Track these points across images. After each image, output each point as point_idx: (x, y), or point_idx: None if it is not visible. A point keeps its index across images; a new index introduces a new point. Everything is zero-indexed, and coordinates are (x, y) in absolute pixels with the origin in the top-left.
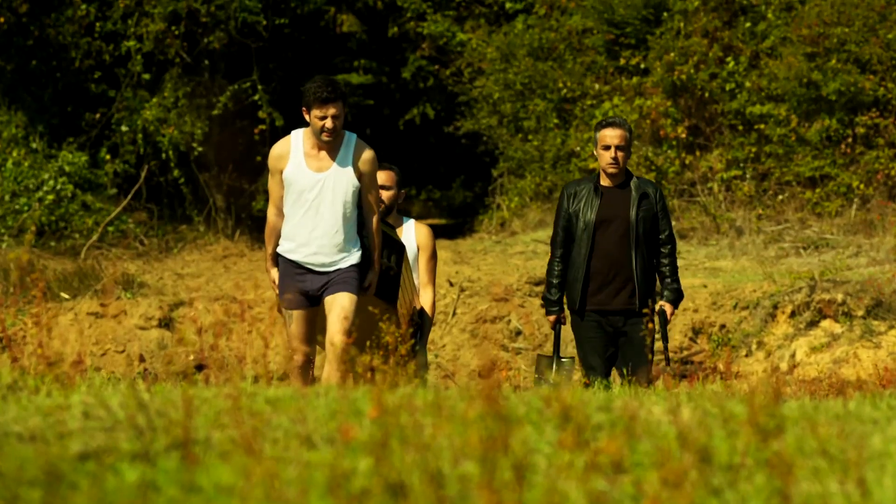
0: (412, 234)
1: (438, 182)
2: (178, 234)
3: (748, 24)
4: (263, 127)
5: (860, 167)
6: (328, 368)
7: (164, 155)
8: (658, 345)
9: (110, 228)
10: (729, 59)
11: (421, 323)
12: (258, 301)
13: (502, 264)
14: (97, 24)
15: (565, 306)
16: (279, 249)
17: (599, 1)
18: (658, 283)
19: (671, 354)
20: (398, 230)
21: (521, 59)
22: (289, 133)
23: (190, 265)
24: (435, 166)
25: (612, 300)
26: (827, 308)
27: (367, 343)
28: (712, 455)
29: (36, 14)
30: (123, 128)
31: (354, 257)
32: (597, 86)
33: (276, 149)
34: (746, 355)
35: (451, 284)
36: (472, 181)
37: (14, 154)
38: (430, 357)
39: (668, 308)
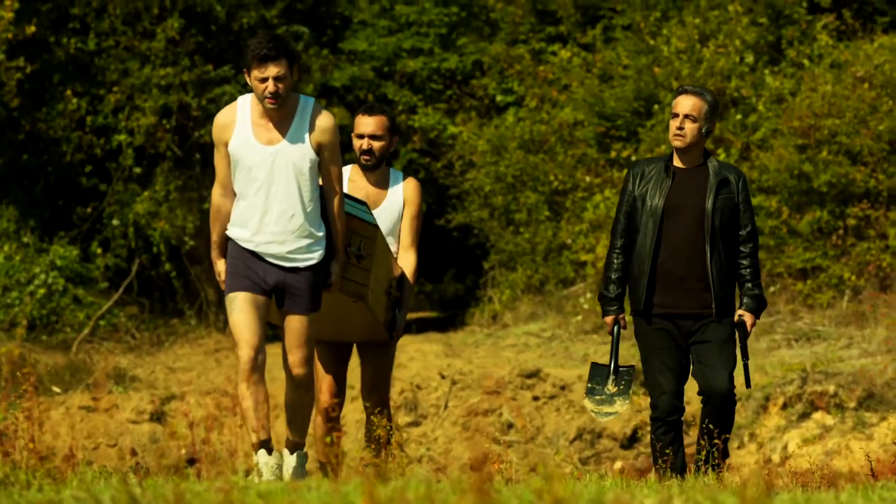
0: (399, 188)
1: (429, 275)
2: (169, 328)
3: (739, 117)
4: None
5: (851, 258)
6: (290, 394)
7: (155, 248)
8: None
9: (102, 322)
10: (720, 150)
11: (400, 296)
12: None
13: (494, 357)
14: (88, 118)
15: (626, 307)
16: (230, 233)
17: (590, 94)
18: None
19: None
20: (381, 192)
21: (512, 151)
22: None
23: (181, 359)
24: (426, 259)
25: (682, 303)
26: (819, 400)
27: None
28: None
29: (27, 108)
30: (115, 222)
31: (316, 254)
32: (588, 178)
33: (220, 117)
34: (738, 447)
35: (443, 377)
36: (463, 274)
37: (5, 248)
38: (421, 451)
39: (748, 318)
